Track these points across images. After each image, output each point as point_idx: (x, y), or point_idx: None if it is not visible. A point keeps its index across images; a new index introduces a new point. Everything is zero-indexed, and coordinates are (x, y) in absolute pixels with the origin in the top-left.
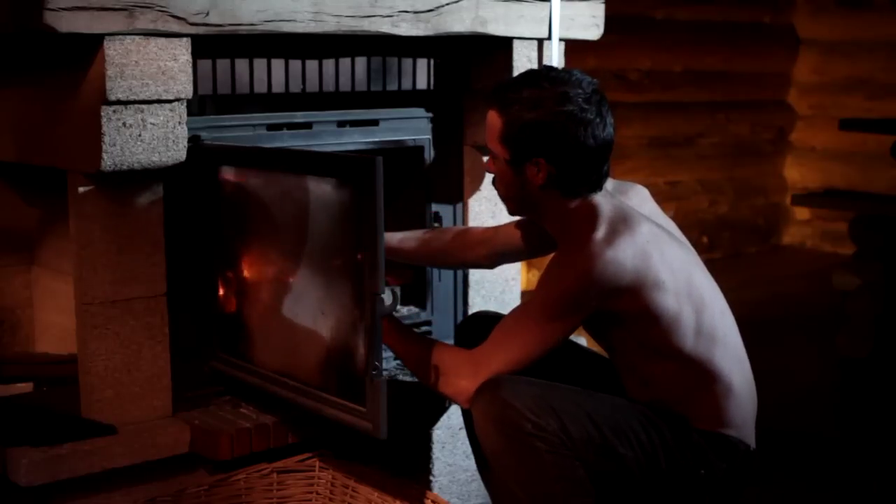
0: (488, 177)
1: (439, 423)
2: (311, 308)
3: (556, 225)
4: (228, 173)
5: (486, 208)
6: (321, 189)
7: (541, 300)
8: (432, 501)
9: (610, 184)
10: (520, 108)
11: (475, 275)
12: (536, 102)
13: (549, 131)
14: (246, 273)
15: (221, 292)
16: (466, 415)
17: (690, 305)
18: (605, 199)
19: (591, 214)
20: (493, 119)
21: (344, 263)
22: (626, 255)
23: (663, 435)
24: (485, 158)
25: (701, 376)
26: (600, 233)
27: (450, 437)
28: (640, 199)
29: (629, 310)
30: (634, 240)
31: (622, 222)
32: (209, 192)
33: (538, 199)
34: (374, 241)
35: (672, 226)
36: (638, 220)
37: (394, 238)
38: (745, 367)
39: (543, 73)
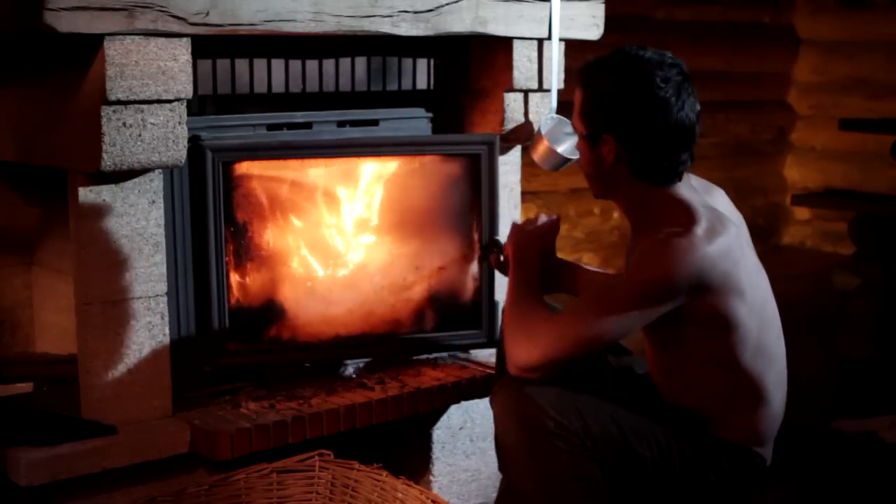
0: None
1: (439, 423)
2: (401, 268)
3: (636, 211)
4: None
5: None
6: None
7: (635, 284)
8: (432, 501)
9: (695, 181)
10: (597, 84)
11: None
12: (612, 78)
13: (618, 107)
14: (289, 261)
15: (241, 287)
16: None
17: (757, 321)
18: (694, 195)
19: (686, 208)
20: (577, 94)
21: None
22: (720, 254)
23: (680, 437)
24: None
25: (748, 393)
26: (702, 226)
27: (450, 437)
28: (724, 201)
29: (705, 311)
30: (730, 243)
31: (719, 222)
32: (225, 186)
33: (613, 179)
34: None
35: (744, 228)
36: (730, 223)
37: (586, 275)
38: (785, 388)
39: (629, 50)
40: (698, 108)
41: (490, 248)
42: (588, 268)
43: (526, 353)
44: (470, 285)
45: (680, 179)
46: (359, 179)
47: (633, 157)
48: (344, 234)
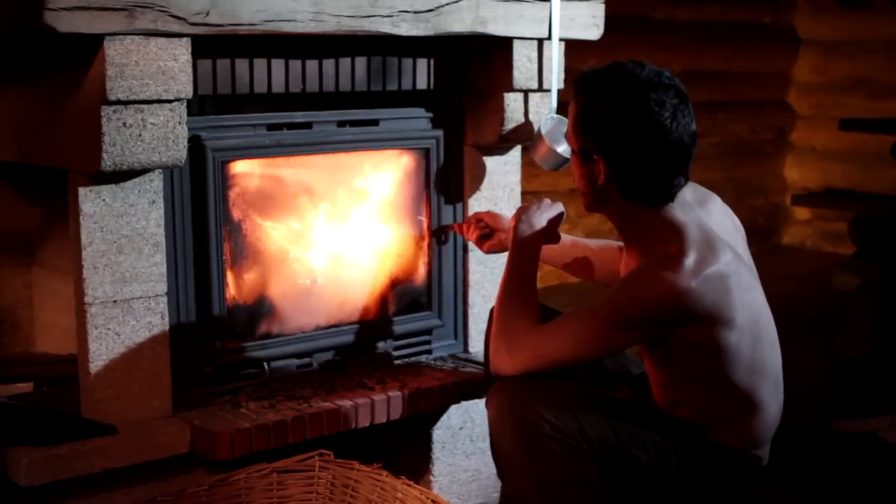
0: (488, 177)
1: (439, 423)
2: (367, 259)
3: (627, 229)
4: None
5: (486, 208)
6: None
7: (615, 306)
8: (432, 501)
9: (690, 191)
10: (589, 102)
11: (475, 275)
12: (604, 98)
13: (609, 128)
14: (288, 258)
15: (240, 286)
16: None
17: (750, 340)
18: (688, 215)
19: (678, 233)
20: (571, 107)
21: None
22: (709, 287)
23: (678, 439)
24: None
25: (741, 407)
26: (691, 259)
27: (450, 437)
28: (718, 210)
29: (694, 339)
30: (720, 272)
31: (710, 251)
32: (218, 185)
33: (605, 198)
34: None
35: (740, 237)
36: (723, 248)
37: (567, 240)
38: (781, 394)
39: (624, 67)
40: (694, 128)
41: (439, 233)
42: (589, 243)
43: (502, 363)
44: (422, 270)
45: (672, 201)
46: (336, 176)
47: (623, 178)
48: (335, 229)
